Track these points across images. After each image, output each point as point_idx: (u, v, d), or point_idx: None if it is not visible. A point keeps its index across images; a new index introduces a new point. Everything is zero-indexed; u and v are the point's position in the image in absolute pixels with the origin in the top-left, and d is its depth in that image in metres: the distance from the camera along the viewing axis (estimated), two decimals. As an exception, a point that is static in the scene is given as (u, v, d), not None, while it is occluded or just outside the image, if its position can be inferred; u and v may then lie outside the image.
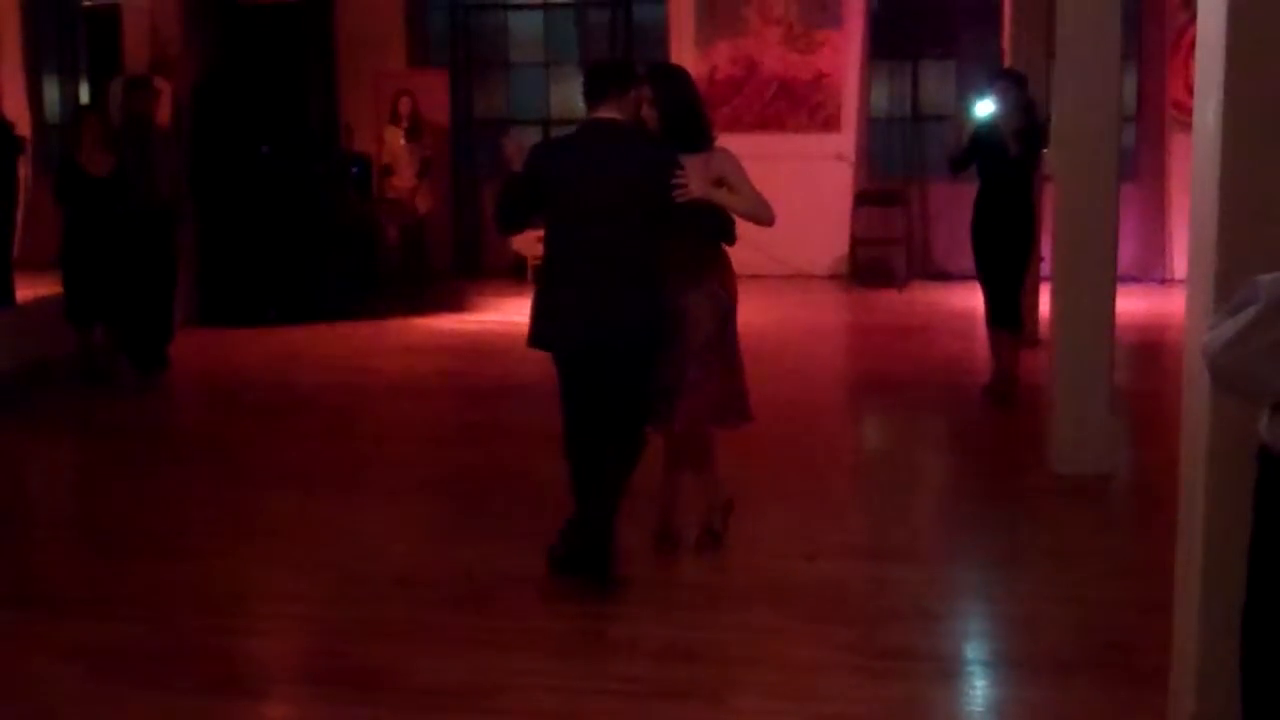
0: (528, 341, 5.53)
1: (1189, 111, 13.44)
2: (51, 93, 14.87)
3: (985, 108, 8.74)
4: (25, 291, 10.27)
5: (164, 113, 10.89)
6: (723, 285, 5.80)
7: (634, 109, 5.56)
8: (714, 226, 5.69)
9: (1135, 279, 12.91)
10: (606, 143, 5.46)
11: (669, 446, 5.95)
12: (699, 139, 5.72)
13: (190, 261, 11.42)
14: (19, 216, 10.50)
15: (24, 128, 12.04)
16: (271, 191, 12.13)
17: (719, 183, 5.63)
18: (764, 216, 5.77)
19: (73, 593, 5.77)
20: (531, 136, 13.94)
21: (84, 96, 13.09)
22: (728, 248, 5.93)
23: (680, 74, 6.11)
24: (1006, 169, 8.66)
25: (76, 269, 9.70)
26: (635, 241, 5.41)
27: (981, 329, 9.26)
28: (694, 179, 5.40)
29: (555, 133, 15.64)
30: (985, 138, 8.72)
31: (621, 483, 5.58)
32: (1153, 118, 14.01)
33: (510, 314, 11.84)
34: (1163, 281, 13.58)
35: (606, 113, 5.46)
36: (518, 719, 4.49)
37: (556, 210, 5.48)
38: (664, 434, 5.84)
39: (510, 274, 14.45)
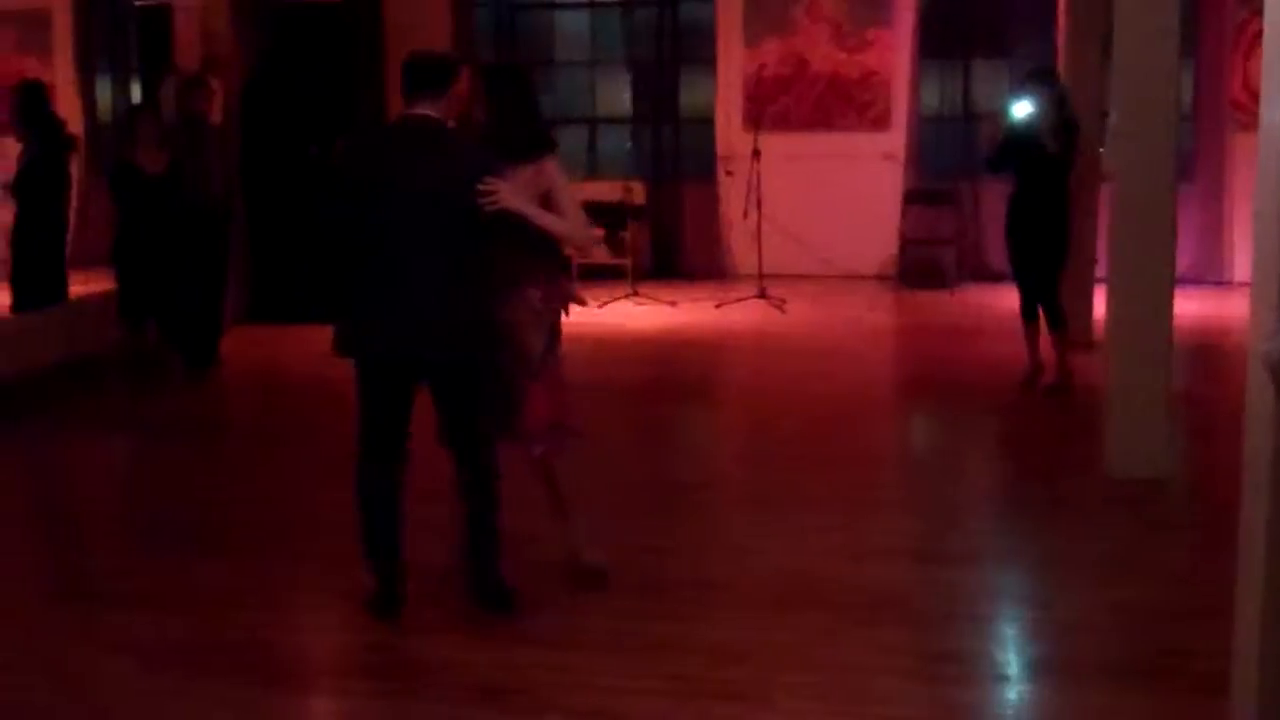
0: (332, 348, 5.23)
1: (1248, 111, 13.40)
2: (103, 92, 14.96)
3: (1023, 108, 8.76)
4: (78, 288, 10.33)
5: (216, 111, 10.94)
6: (547, 299, 5.41)
7: (455, 107, 5.24)
8: (533, 238, 5.18)
9: (1193, 281, 12.78)
10: (417, 142, 5.13)
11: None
12: (532, 147, 5.31)
13: (240, 259, 11.47)
14: (71, 214, 10.56)
15: (76, 127, 12.11)
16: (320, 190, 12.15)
17: (545, 196, 5.25)
18: (580, 241, 5.37)
19: (124, 587, 5.79)
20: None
21: (136, 96, 13.18)
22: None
23: (520, 75, 5.74)
24: (1043, 167, 8.74)
25: (129, 266, 9.75)
26: (447, 245, 5.05)
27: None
28: (506, 189, 5.00)
29: (600, 130, 15.67)
30: (1021, 136, 8.80)
31: (493, 516, 5.32)
32: (1211, 117, 13.87)
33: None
34: (1220, 283, 13.44)
35: (422, 109, 5.14)
36: (565, 717, 4.47)
37: (363, 210, 5.09)
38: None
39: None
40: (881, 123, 14.68)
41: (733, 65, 14.95)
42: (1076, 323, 9.60)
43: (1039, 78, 9.09)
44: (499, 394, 5.34)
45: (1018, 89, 9.17)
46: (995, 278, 13.89)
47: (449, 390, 5.21)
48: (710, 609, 5.37)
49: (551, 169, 5.32)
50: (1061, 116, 8.74)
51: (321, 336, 11.53)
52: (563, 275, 5.63)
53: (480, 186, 4.97)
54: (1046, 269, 8.96)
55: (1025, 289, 9.10)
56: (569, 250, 5.50)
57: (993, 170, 9.32)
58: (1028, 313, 9.11)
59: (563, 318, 5.56)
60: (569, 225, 5.28)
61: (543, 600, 5.45)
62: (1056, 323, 9.01)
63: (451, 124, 5.31)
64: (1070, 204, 9.04)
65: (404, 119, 5.23)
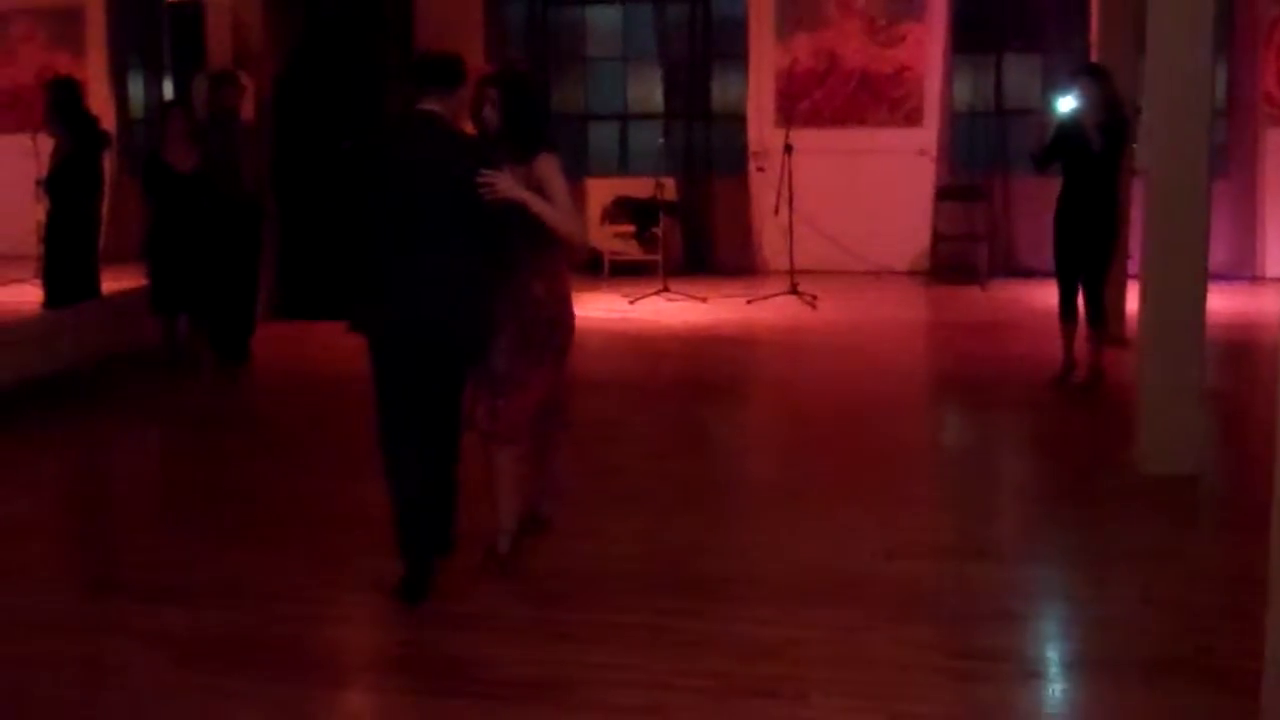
0: (347, 326, 5.49)
1: (1281, 105, 13.33)
2: (136, 89, 15.05)
3: (1067, 104, 8.68)
4: (111, 283, 10.38)
5: (248, 107, 10.98)
6: (549, 290, 5.67)
7: (460, 105, 5.54)
8: (537, 232, 5.49)
9: (1225, 277, 12.69)
10: (420, 135, 5.42)
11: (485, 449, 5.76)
12: (534, 146, 5.59)
13: (271, 255, 11.51)
14: (104, 210, 10.63)
15: (109, 123, 12.18)
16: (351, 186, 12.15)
17: (538, 190, 5.47)
18: (569, 231, 5.59)
19: (157, 580, 5.82)
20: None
21: (168, 92, 13.24)
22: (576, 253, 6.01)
23: (530, 81, 6.18)
24: (1090, 165, 8.64)
25: (162, 261, 9.80)
26: (448, 234, 5.33)
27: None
28: (504, 179, 5.30)
29: (632, 126, 15.68)
30: (1068, 134, 8.69)
31: (452, 484, 5.54)
32: (1244, 112, 13.78)
33: (584, 309, 11.80)
34: (1253, 279, 13.34)
35: (428, 105, 5.41)
36: (597, 713, 4.47)
37: (374, 200, 5.42)
38: (480, 435, 5.70)
39: (585, 269, 14.42)
40: (914, 118, 14.63)
41: (765, 61, 14.92)
42: (1110, 318, 9.55)
43: (1087, 73, 8.96)
44: (487, 382, 5.58)
45: (1065, 85, 9.05)
46: (1027, 273, 13.89)
47: (439, 369, 5.40)
48: (743, 605, 5.37)
49: (546, 163, 5.55)
50: (1110, 114, 8.64)
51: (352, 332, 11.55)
52: (565, 269, 5.83)
53: (479, 178, 5.23)
54: (1093, 267, 8.86)
55: (1067, 287, 8.98)
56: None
57: (1038, 168, 9.13)
58: (1066, 312, 9.02)
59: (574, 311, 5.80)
60: (560, 215, 5.49)
61: (578, 597, 5.48)
62: (1097, 321, 8.92)
63: (468, 123, 5.65)
64: (1118, 202, 8.93)
65: (408, 114, 5.50)
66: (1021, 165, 14.29)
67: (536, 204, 5.38)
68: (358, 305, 5.48)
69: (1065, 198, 8.91)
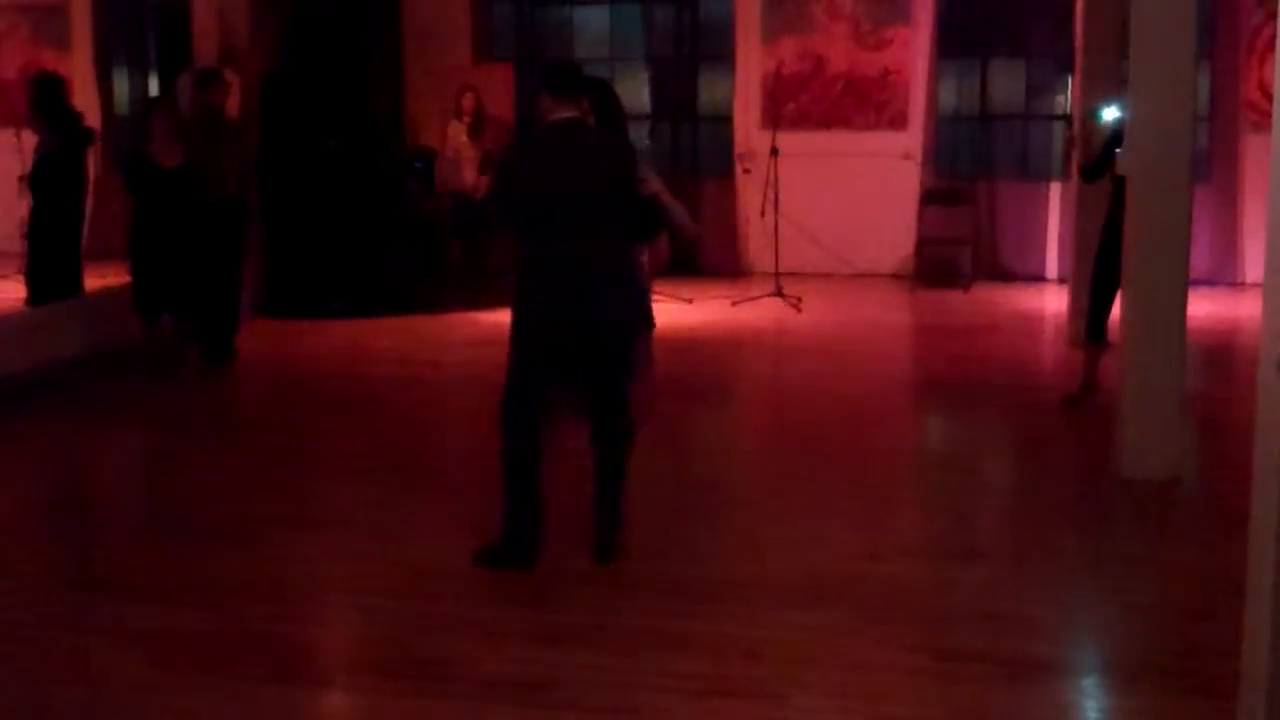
0: (511, 338, 5.69)
1: (1262, 112, 13.38)
2: (121, 85, 15.05)
3: (1112, 112, 8.43)
4: (94, 281, 10.36)
5: (233, 104, 10.97)
6: (649, 277, 6.52)
7: (587, 111, 5.87)
8: (649, 225, 6.14)
9: (1207, 282, 12.75)
10: (579, 141, 5.72)
11: None
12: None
13: (256, 253, 11.50)
14: (88, 207, 10.61)
15: (94, 120, 12.16)
16: (337, 184, 12.18)
17: None
18: (688, 225, 6.59)
19: (138, 580, 5.80)
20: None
21: (153, 89, 13.23)
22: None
23: (614, 93, 6.45)
24: None
25: (145, 259, 9.76)
26: (607, 236, 5.65)
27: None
28: (654, 179, 6.04)
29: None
30: (1119, 143, 8.30)
31: (624, 465, 5.90)
32: (1226, 119, 13.83)
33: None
34: (1234, 284, 13.42)
35: (570, 112, 5.67)
36: (577, 714, 4.48)
37: (534, 208, 5.58)
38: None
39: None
40: (899, 122, 14.65)
41: (751, 63, 14.94)
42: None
43: None
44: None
45: (1110, 93, 8.65)
46: (1010, 277, 13.93)
47: (605, 360, 5.75)
48: (727, 607, 5.37)
49: (649, 169, 6.29)
50: None
51: (338, 331, 11.61)
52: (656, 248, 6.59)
53: (637, 176, 5.81)
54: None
55: (1103, 305, 8.40)
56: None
57: (1087, 180, 8.76)
58: (1097, 331, 8.46)
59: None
60: (681, 211, 6.45)
61: (560, 597, 5.48)
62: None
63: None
64: None
65: (559, 123, 5.67)
66: (1006, 169, 14.41)
67: (670, 202, 6.24)
68: (518, 308, 5.70)
69: (1116, 211, 8.05)
